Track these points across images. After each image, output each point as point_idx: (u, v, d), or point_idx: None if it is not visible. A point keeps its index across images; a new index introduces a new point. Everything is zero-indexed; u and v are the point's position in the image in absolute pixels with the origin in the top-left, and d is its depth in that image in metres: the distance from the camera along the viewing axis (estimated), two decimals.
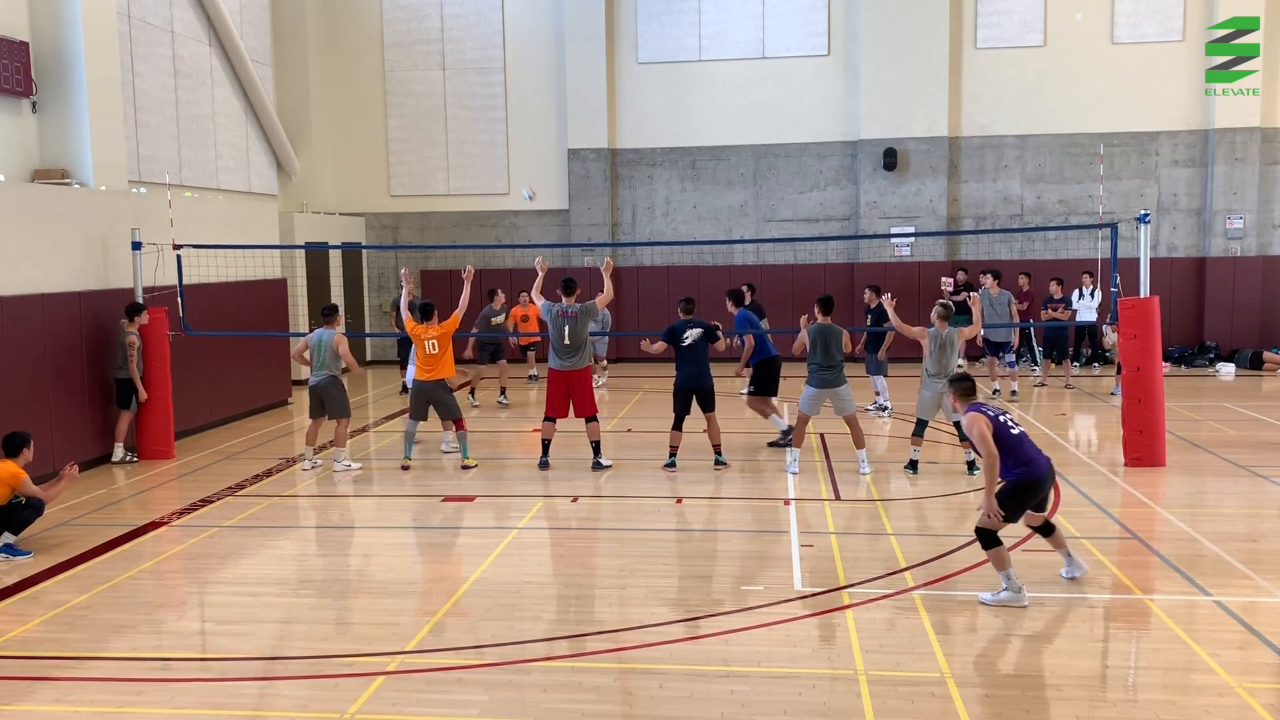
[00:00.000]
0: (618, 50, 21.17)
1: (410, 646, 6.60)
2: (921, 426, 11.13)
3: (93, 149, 13.55)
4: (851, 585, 7.57)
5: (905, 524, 9.31)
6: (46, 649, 6.68)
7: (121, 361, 12.29)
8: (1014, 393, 15.81)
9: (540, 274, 11.93)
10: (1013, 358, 16.35)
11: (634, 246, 20.77)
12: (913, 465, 11.09)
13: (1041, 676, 6.00)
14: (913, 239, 20.17)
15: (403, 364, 16.72)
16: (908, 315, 12.10)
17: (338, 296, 20.23)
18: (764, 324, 16.01)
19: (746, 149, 21.09)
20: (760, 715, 5.57)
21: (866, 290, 14.38)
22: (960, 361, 12.55)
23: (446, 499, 10.55)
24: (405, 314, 12.31)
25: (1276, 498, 10.09)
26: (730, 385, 15.58)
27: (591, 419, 11.56)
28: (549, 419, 11.64)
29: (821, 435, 13.05)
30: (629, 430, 14.00)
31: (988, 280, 16.40)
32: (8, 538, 8.65)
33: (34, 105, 13.42)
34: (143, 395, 12.40)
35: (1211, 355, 19.57)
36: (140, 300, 12.63)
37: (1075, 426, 14.25)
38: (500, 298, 16.54)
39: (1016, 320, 16.40)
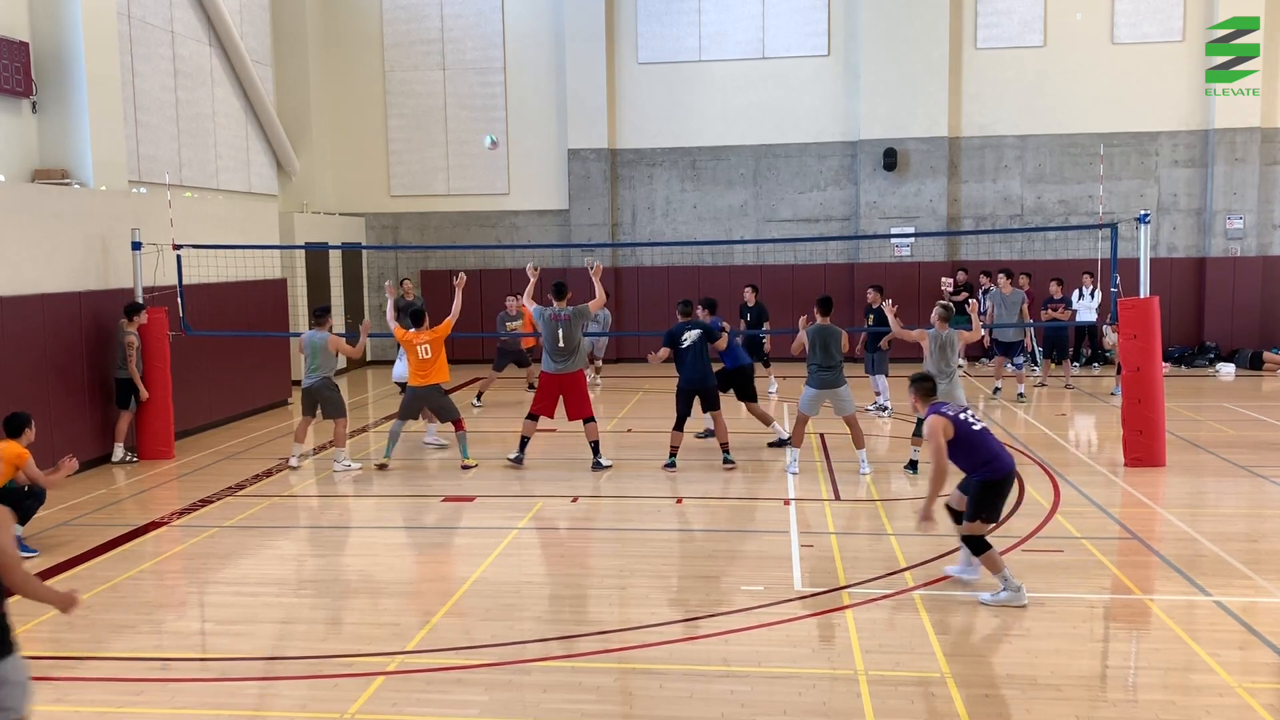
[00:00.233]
0: (618, 50, 21.16)
1: (410, 646, 6.60)
2: (921, 426, 11.11)
3: (93, 149, 13.55)
4: (851, 585, 7.58)
5: (905, 524, 9.30)
6: (46, 649, 6.67)
7: (121, 361, 12.30)
8: (1020, 395, 15.62)
9: (532, 280, 11.96)
10: (1021, 359, 16.31)
11: (634, 247, 20.76)
12: (913, 465, 11.09)
13: (1041, 676, 5.99)
14: (913, 239, 20.15)
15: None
16: (907, 315, 12.12)
17: (338, 297, 20.24)
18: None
19: (746, 149, 21.08)
20: (760, 715, 5.57)
21: (870, 290, 14.34)
22: (960, 362, 12.54)
23: (446, 499, 10.55)
24: (392, 322, 12.40)
25: (1276, 498, 10.09)
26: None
27: (589, 420, 11.59)
28: (531, 416, 11.70)
29: (821, 435, 13.04)
30: (629, 430, 14.00)
31: (1000, 279, 16.36)
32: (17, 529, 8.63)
33: (34, 105, 13.42)
34: (144, 395, 12.40)
35: (1211, 355, 19.56)
36: (140, 300, 12.64)
37: (1075, 426, 14.24)
38: (512, 303, 16.09)
39: (1029, 320, 16.34)
